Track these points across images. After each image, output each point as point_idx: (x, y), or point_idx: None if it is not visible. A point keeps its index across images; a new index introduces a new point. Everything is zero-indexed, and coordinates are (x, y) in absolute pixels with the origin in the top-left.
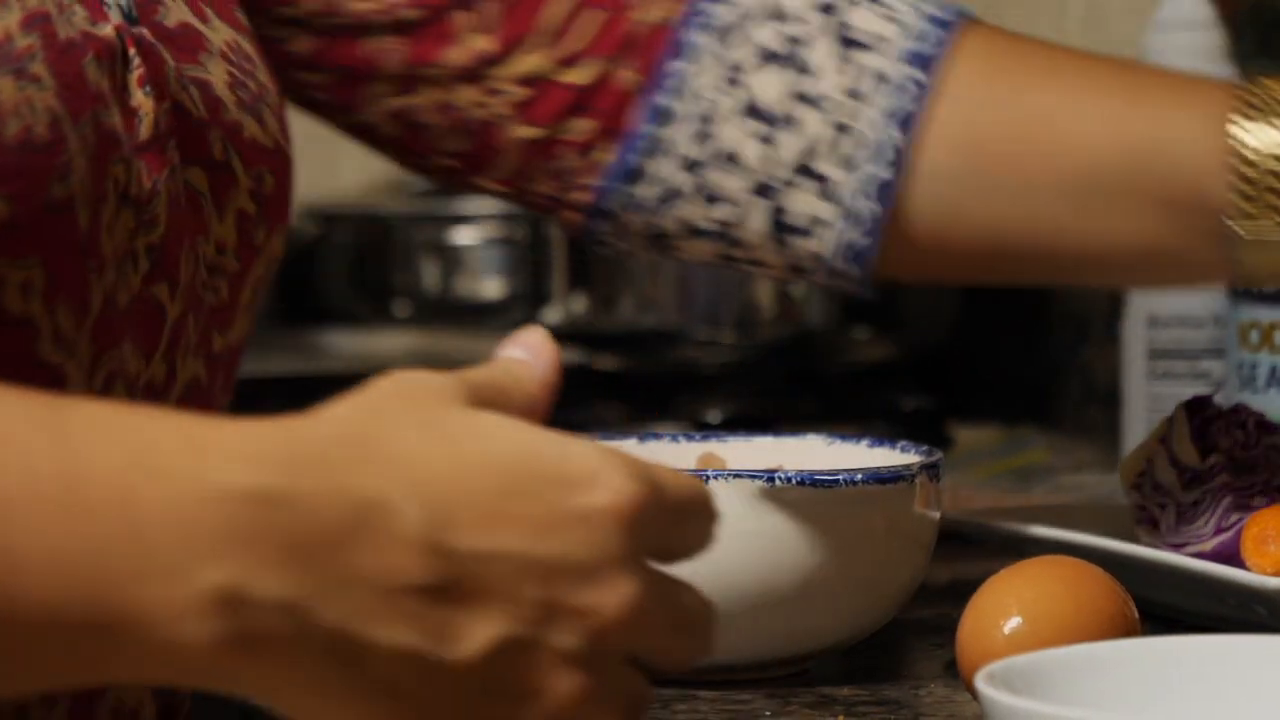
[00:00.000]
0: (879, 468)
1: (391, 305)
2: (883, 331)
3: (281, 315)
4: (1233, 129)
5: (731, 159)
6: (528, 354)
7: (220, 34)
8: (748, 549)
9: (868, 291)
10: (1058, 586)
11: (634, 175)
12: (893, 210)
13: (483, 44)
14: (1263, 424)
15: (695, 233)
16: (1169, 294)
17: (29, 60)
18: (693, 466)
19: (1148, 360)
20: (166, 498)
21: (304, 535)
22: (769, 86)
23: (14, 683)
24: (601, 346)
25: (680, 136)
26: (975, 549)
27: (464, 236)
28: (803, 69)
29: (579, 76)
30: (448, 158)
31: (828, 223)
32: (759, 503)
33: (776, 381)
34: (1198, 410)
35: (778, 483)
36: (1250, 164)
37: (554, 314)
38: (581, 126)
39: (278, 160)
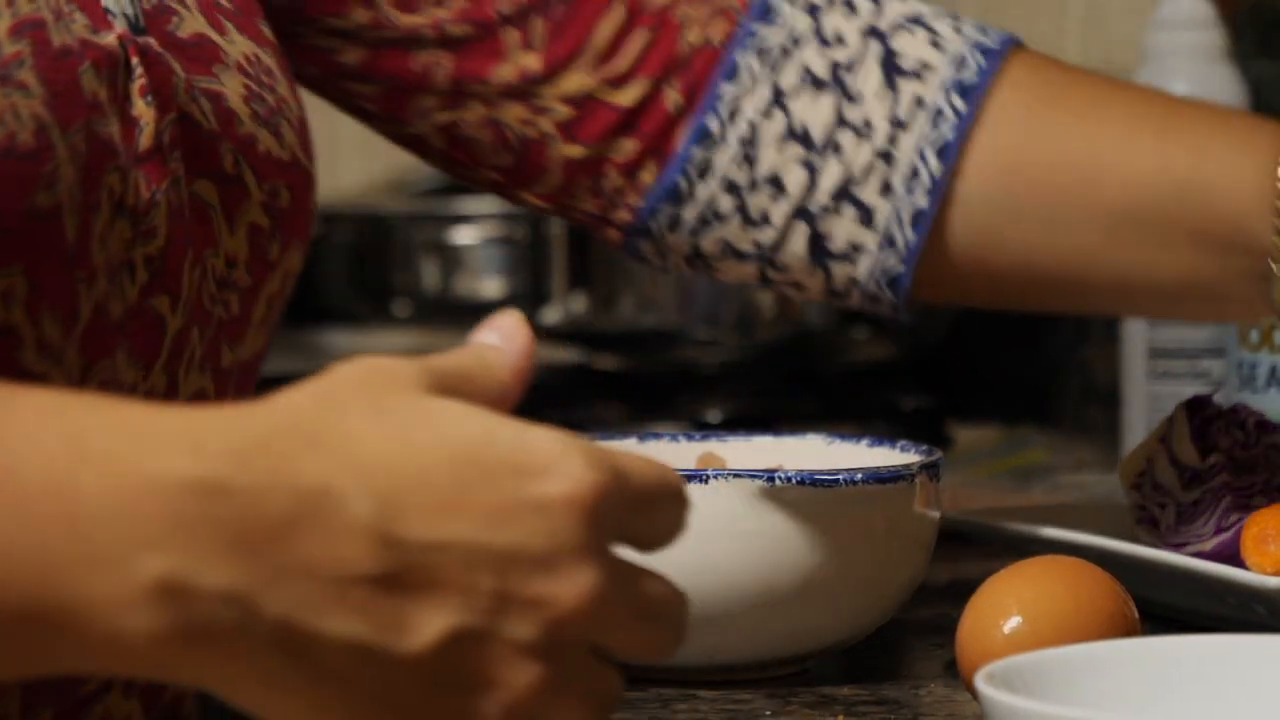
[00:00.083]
0: (879, 467)
1: (391, 305)
2: (882, 331)
3: (281, 315)
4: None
5: (774, 183)
6: (501, 339)
7: (238, 46)
8: (748, 549)
9: (903, 316)
10: (1058, 586)
11: (677, 196)
12: (929, 237)
13: (531, 62)
14: (1262, 424)
15: (735, 254)
16: None
17: (16, 67)
18: (693, 466)
19: (1147, 359)
20: (105, 487)
21: (247, 524)
22: (813, 112)
23: None
24: (601, 346)
25: (724, 159)
26: (975, 549)
27: (464, 236)
28: (847, 95)
29: (626, 97)
30: (493, 171)
31: (865, 248)
32: (759, 503)
33: (776, 381)
34: (1198, 410)
35: (778, 482)
36: None
37: (554, 314)
38: (627, 146)
39: (295, 174)
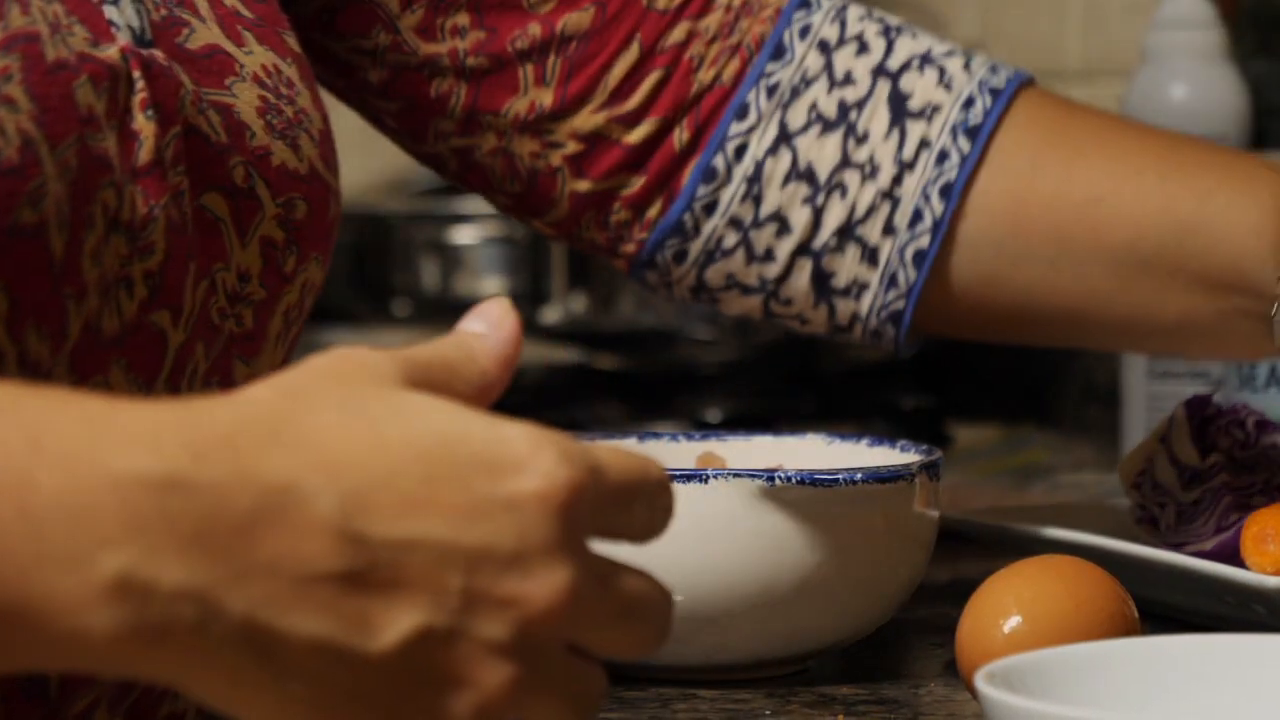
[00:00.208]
0: (879, 467)
1: (391, 304)
2: None
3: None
4: None
5: (778, 220)
6: (488, 327)
7: (257, 57)
8: (748, 549)
9: (905, 351)
10: (1057, 586)
11: (682, 231)
12: (931, 276)
13: (544, 98)
14: (1262, 424)
15: (740, 287)
16: None
17: (3, 82)
18: (692, 466)
19: (1147, 359)
20: (63, 482)
21: (209, 521)
22: (819, 151)
23: None
24: (601, 346)
25: (729, 196)
26: (975, 549)
27: (464, 236)
28: (855, 134)
29: (635, 135)
30: (504, 196)
31: (868, 286)
32: (759, 502)
33: (776, 381)
34: (1198, 410)
35: (778, 482)
36: None
37: (553, 313)
38: (634, 182)
39: (314, 188)
